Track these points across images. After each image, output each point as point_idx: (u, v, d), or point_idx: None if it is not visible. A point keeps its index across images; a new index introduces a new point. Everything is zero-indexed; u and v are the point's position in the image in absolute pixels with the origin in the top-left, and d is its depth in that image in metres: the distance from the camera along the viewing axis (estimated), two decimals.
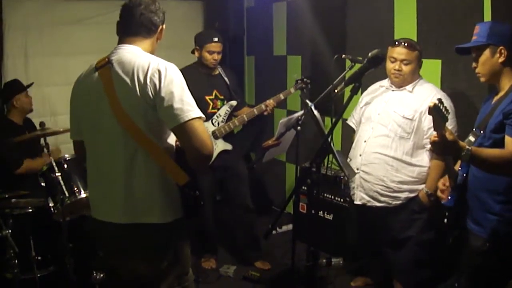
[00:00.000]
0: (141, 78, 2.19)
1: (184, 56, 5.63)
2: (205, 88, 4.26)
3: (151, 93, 2.18)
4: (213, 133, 4.22)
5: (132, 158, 2.26)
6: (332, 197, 4.52)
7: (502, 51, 2.48)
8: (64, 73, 5.04)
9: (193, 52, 4.36)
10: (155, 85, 2.18)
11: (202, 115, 2.25)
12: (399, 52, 3.39)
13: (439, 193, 2.82)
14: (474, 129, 2.58)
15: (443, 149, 2.27)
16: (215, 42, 4.21)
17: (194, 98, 4.21)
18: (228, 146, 4.30)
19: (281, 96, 4.36)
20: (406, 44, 3.38)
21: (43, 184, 3.62)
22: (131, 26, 2.38)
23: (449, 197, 2.68)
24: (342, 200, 4.39)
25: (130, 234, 2.33)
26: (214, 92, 4.29)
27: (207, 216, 4.42)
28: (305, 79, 4.34)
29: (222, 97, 4.31)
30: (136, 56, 2.29)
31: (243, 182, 4.48)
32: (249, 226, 4.53)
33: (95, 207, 2.47)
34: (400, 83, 3.48)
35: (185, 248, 2.52)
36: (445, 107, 2.15)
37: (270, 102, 4.30)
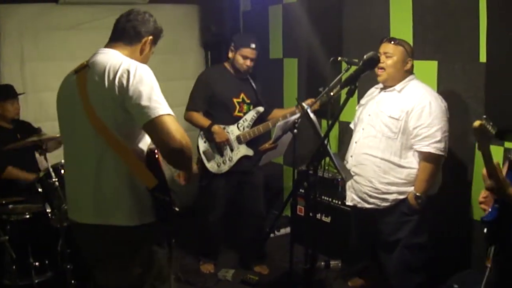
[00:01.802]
0: (111, 78, 2.20)
1: (180, 59, 5.66)
2: (233, 90, 4.25)
3: (120, 93, 2.18)
4: (238, 137, 4.22)
5: (101, 158, 2.27)
6: (330, 199, 4.53)
7: None
8: (61, 78, 4.94)
9: (226, 52, 4.31)
10: (122, 84, 2.18)
11: (171, 113, 2.22)
12: (383, 46, 3.45)
13: (480, 205, 2.61)
14: None
15: (495, 192, 2.20)
16: (251, 48, 4.15)
17: (222, 99, 4.10)
18: (250, 152, 4.29)
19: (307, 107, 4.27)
20: (391, 41, 3.44)
21: (40, 190, 3.61)
22: (115, 32, 2.45)
23: (490, 210, 2.51)
24: (339, 202, 4.39)
25: (100, 236, 2.33)
26: (242, 95, 4.28)
27: (215, 220, 4.41)
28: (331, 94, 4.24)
29: (249, 101, 4.30)
30: (110, 57, 2.31)
31: (258, 189, 4.48)
32: (257, 233, 4.48)
33: (70, 207, 2.50)
34: (384, 80, 3.48)
35: (160, 254, 2.44)
36: (492, 125, 2.05)
37: (294, 110, 4.21)
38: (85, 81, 2.29)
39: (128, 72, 2.19)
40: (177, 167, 2.35)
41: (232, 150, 4.23)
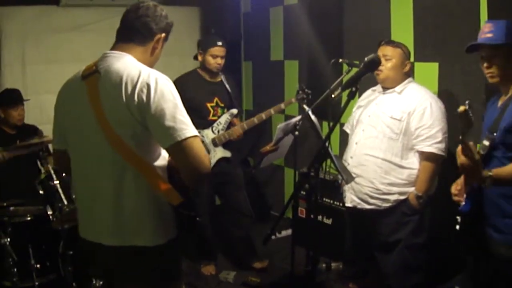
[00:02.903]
0: (129, 92, 2.00)
1: (181, 62, 5.64)
2: (206, 95, 4.26)
3: (139, 109, 2.00)
4: (213, 140, 4.23)
5: (120, 176, 2.09)
6: (331, 201, 4.52)
7: None
8: (62, 81, 4.91)
9: (195, 57, 4.35)
10: (142, 100, 1.99)
11: (198, 134, 2.08)
12: (381, 49, 3.47)
13: (454, 198, 2.69)
14: (486, 133, 2.52)
15: (468, 171, 2.27)
16: (219, 46, 4.19)
17: (195, 105, 4.18)
18: (227, 154, 4.31)
19: (282, 106, 4.37)
20: (389, 43, 3.47)
21: (41, 192, 3.61)
22: (125, 31, 2.21)
23: (464, 202, 2.59)
24: (341, 204, 4.38)
25: (119, 257, 2.17)
26: (215, 99, 4.28)
27: (205, 222, 4.41)
28: (306, 90, 4.32)
29: (222, 104, 4.31)
30: (126, 65, 2.09)
31: (239, 188, 4.49)
32: (245, 232, 4.53)
33: (83, 227, 2.30)
34: (382, 81, 3.51)
35: (178, 269, 2.37)
36: (471, 113, 2.10)
37: (270, 111, 4.31)
38: (96, 90, 2.08)
39: (148, 86, 2.00)
40: (192, 186, 2.17)
41: (208, 153, 4.23)
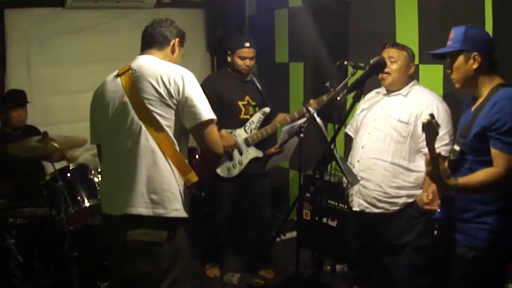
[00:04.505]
0: (166, 81, 2.48)
1: (186, 64, 5.64)
2: (237, 93, 4.23)
3: (175, 94, 2.48)
4: (246, 140, 4.21)
5: (151, 155, 2.49)
6: (336, 203, 4.51)
7: (476, 57, 2.45)
8: (67, 82, 5.05)
9: (226, 57, 4.32)
10: (178, 87, 2.48)
11: (215, 117, 2.56)
12: (387, 51, 3.46)
13: (426, 207, 2.80)
14: (457, 137, 2.58)
15: (434, 178, 2.33)
16: (247, 47, 4.15)
17: (226, 103, 4.24)
18: (260, 154, 4.27)
19: (312, 102, 4.24)
20: (394, 45, 3.48)
21: (46, 193, 3.61)
22: (145, 40, 2.73)
23: (438, 210, 2.65)
24: (345, 206, 4.38)
25: (144, 226, 2.49)
26: (246, 97, 4.26)
27: (222, 223, 4.40)
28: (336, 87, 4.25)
29: (254, 103, 4.28)
30: (157, 62, 2.60)
31: (266, 194, 4.47)
32: (262, 237, 4.48)
33: (106, 203, 2.68)
34: (389, 84, 3.50)
35: (187, 250, 2.67)
36: (436, 121, 2.17)
37: (303, 110, 4.15)
38: (132, 81, 2.55)
39: (181, 76, 2.51)
40: (208, 169, 2.71)
41: (241, 153, 4.20)
